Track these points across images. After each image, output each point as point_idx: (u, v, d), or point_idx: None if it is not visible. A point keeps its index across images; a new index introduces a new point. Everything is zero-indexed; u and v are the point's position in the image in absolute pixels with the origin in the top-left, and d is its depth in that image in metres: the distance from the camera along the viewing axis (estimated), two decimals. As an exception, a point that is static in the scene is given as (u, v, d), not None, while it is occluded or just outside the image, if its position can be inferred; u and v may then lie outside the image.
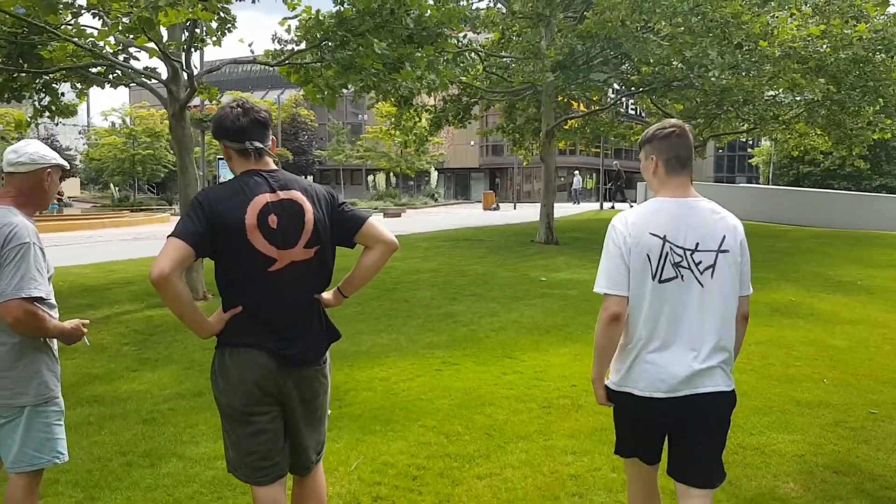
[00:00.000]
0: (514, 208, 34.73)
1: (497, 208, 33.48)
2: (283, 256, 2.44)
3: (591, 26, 13.34)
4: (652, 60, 13.44)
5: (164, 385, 5.52)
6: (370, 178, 51.38)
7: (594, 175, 53.68)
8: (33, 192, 2.72)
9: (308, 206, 2.49)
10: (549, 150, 16.33)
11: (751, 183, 56.28)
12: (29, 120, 10.41)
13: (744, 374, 5.53)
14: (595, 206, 34.23)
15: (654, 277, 2.38)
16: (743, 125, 20.78)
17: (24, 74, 9.12)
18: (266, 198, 2.43)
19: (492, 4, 17.90)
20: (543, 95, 15.89)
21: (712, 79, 13.29)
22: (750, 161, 53.68)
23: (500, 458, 3.99)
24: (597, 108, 19.87)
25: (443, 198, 50.12)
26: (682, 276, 2.38)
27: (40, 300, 2.59)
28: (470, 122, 19.18)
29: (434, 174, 51.11)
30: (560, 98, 18.83)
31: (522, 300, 8.85)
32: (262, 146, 2.49)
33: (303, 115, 53.96)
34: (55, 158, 2.75)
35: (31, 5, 6.76)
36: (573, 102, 21.12)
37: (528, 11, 15.42)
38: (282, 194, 2.46)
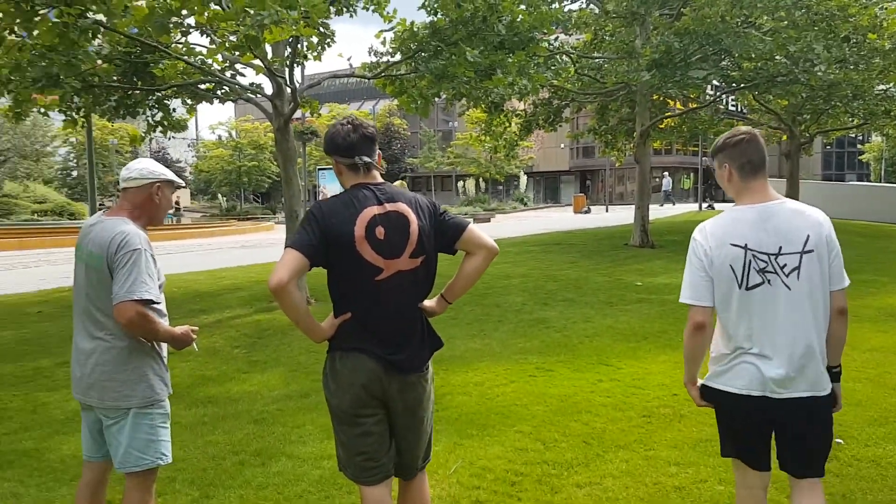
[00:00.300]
0: (607, 211, 34.16)
1: (588, 211, 33.05)
2: (389, 266, 2.55)
3: (689, 23, 13.01)
4: (754, 56, 13.00)
5: (272, 386, 5.80)
6: (460, 183, 51.75)
7: (692, 175, 52.08)
8: (145, 205, 2.88)
9: (413, 217, 2.60)
10: (644, 151, 16.01)
11: (861, 180, 53.16)
12: (143, 135, 11.12)
13: (858, 382, 5.28)
14: (692, 206, 33.22)
15: (740, 286, 2.45)
16: (852, 121, 19.71)
17: (138, 92, 9.75)
18: (374, 210, 2.56)
19: (584, 5, 17.73)
20: (638, 95, 15.60)
21: (818, 73, 12.68)
22: (860, 157, 50.72)
23: (599, 467, 3.98)
24: (694, 105, 19.31)
25: (532, 202, 49.86)
26: (768, 281, 2.43)
27: (150, 303, 2.72)
28: (560, 125, 19.05)
29: (523, 178, 50.94)
30: (655, 97, 18.43)
31: (617, 306, 8.74)
32: (370, 161, 2.63)
33: (396, 124, 55.07)
34: (164, 174, 2.91)
35: (143, 26, 7.25)
36: (669, 101, 20.62)
37: (623, 11, 15.18)
38: (388, 206, 2.58)
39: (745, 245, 2.44)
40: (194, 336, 2.96)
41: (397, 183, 21.00)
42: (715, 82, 16.92)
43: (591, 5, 17.22)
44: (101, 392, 2.79)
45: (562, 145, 54.45)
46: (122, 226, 2.78)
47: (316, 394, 5.41)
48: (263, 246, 20.27)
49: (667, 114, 18.96)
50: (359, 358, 2.57)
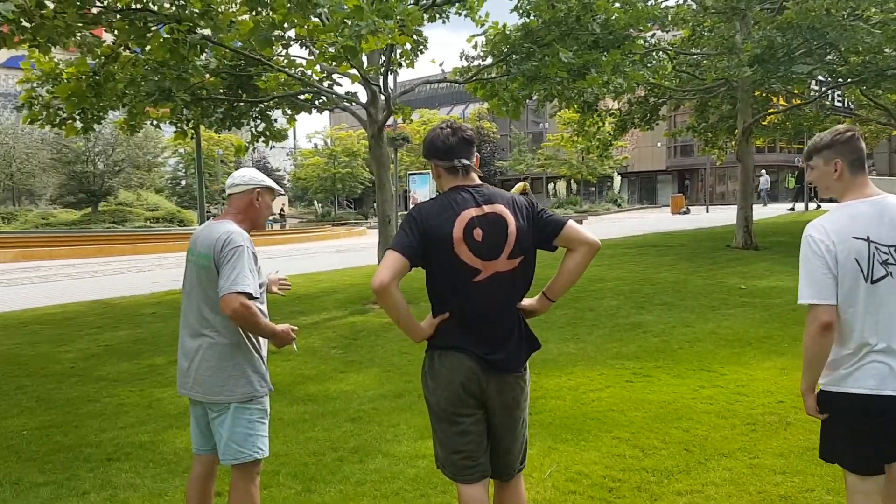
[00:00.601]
0: (707, 212, 32.98)
1: (687, 212, 32.01)
2: (486, 267, 2.56)
3: (792, 16, 12.42)
4: (861, 49, 12.27)
5: (367, 386, 5.93)
6: (551, 185, 51.27)
7: (796, 173, 49.62)
8: (248, 209, 3.06)
9: (511, 218, 2.59)
10: (746, 149, 15.38)
11: None
12: (246, 145, 11.61)
13: None
14: (799, 207, 31.61)
15: (866, 279, 2.40)
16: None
17: (242, 103, 10.20)
18: (472, 212, 2.57)
19: (682, 1, 17.24)
20: (739, 91, 15.01)
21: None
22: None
23: (701, 474, 3.85)
24: (799, 101, 18.39)
25: (626, 203, 48.78)
26: (891, 273, 2.40)
27: (250, 296, 2.86)
28: (657, 124, 18.56)
29: (617, 179, 49.91)
30: (758, 93, 17.67)
31: (719, 310, 8.43)
32: (469, 163, 2.65)
33: (486, 127, 55.18)
34: (264, 181, 3.09)
35: (247, 40, 7.58)
36: (773, 97, 19.72)
37: (722, 6, 14.64)
38: (486, 208, 2.59)
39: (868, 238, 2.40)
40: (294, 336, 3.08)
41: (519, 185, 21.19)
42: (820, 77, 16.07)
43: (689, 1, 16.71)
44: (204, 387, 2.96)
45: (658, 144, 53.01)
46: (227, 226, 2.98)
47: (409, 394, 5.50)
48: (357, 250, 20.75)
49: (770, 110, 18.12)
50: (457, 357, 2.59)
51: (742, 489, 3.63)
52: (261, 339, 3.08)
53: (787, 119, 20.57)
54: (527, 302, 2.72)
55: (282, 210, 45.35)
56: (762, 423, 4.58)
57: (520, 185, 22.41)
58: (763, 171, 36.10)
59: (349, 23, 5.97)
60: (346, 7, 5.69)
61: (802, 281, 2.45)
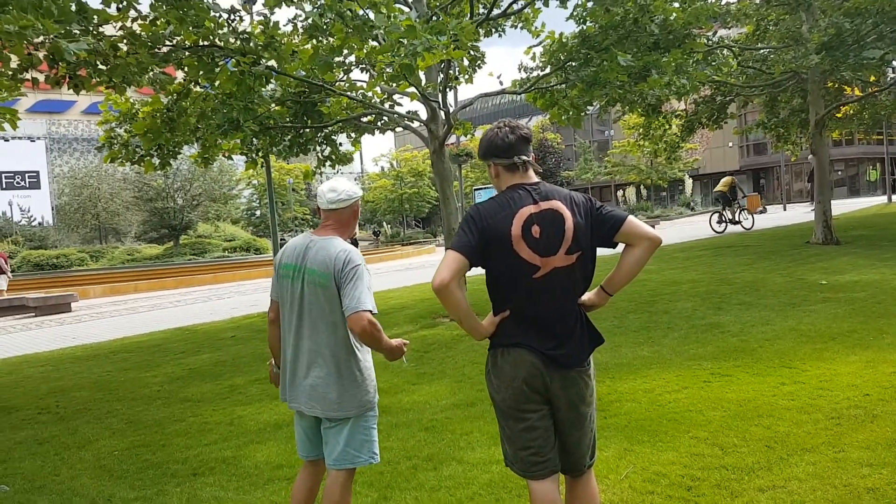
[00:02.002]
0: (784, 209, 31.84)
1: (764, 211, 30.94)
2: (546, 263, 2.58)
3: (860, 2, 11.97)
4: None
5: (440, 396, 5.98)
6: (620, 192, 50.51)
7: (878, 166, 47.38)
8: (349, 222, 3.16)
9: (568, 214, 2.60)
10: (821, 142, 14.84)
11: None
12: (314, 170, 11.93)
13: None
14: (882, 199, 30.16)
15: None
16: None
17: (308, 130, 10.51)
18: (530, 209, 2.60)
19: (745, -4, 16.83)
20: (809, 83, 14.54)
21: None
22: None
23: (783, 470, 3.72)
24: (874, 89, 17.62)
25: (700, 206, 47.53)
26: None
27: (373, 314, 2.94)
28: (726, 122, 18.12)
29: (689, 182, 48.75)
30: (830, 84, 17.02)
31: (800, 306, 8.13)
32: (528, 159, 2.68)
33: (550, 138, 54.94)
34: (360, 191, 3.20)
35: (310, 67, 7.83)
36: (846, 87, 18.96)
37: (787, -3, 14.24)
38: (543, 205, 2.61)
39: None
40: (406, 350, 3.16)
41: (726, 179, 21.22)
42: (895, 63, 15.37)
43: (753, -5, 16.32)
44: (322, 403, 3.03)
45: (730, 144, 51.67)
46: (341, 244, 3.05)
47: (481, 403, 5.51)
48: (426, 267, 20.95)
49: (843, 101, 17.41)
50: (519, 353, 2.61)
51: (827, 483, 3.49)
52: (367, 348, 3.14)
53: (863, 109, 19.75)
54: (586, 296, 2.72)
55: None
56: (847, 417, 4.39)
57: (727, 178, 22.46)
58: (811, 156, 34.58)
59: (405, 42, 6.11)
60: (401, 27, 5.83)
61: None
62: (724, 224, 21.03)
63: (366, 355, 3.12)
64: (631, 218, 2.66)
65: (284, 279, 3.13)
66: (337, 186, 3.12)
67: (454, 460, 4.41)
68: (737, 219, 21.22)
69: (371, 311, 2.91)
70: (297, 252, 3.11)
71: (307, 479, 3.25)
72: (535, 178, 2.71)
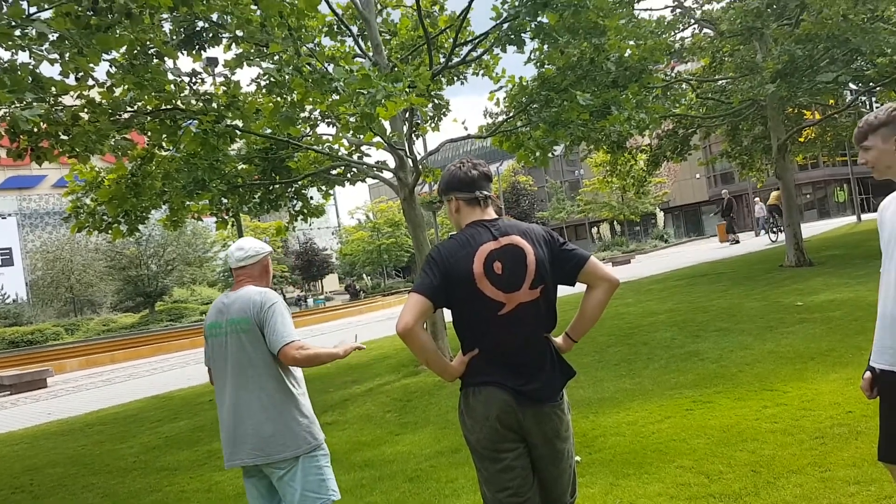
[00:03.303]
0: (756, 235, 32.21)
1: (737, 241, 31.27)
2: (510, 299, 2.55)
3: (810, 27, 12.36)
4: (889, 50, 12.07)
5: (424, 445, 5.86)
6: (594, 229, 51.00)
7: (844, 186, 48.42)
8: (263, 275, 3.29)
9: (529, 248, 2.59)
10: (784, 166, 15.10)
11: None
12: (286, 225, 11.90)
13: None
14: (851, 219, 30.70)
15: None
16: None
17: (277, 185, 10.50)
18: (490, 246, 2.58)
19: (697, 30, 17.34)
20: (768, 109, 14.86)
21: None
22: None
23: (770, 494, 3.66)
24: (833, 112, 18.10)
25: (673, 237, 48.05)
26: None
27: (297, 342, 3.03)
28: (689, 154, 18.41)
29: (660, 215, 49.37)
30: (790, 110, 17.44)
31: (777, 329, 8.15)
32: (489, 195, 2.69)
33: (521, 181, 55.57)
34: (267, 247, 3.33)
35: (270, 121, 7.85)
36: (805, 112, 19.45)
37: (738, 28, 14.66)
38: (503, 240, 2.60)
39: None
40: (353, 344, 3.23)
41: (775, 194, 22.54)
42: (852, 85, 15.84)
43: (705, 30, 16.81)
44: (267, 448, 3.01)
45: (697, 175, 52.57)
46: (254, 289, 3.17)
47: (466, 448, 5.36)
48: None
49: (803, 124, 17.84)
50: (490, 391, 2.56)
51: (815, 504, 3.45)
52: (302, 383, 3.20)
53: (824, 132, 20.24)
54: (555, 340, 2.70)
55: (326, 292, 46.31)
56: (831, 436, 4.36)
57: (776, 192, 23.57)
58: (757, 198, 35.42)
59: (364, 92, 6.16)
60: (357, 78, 5.90)
61: None
62: (776, 234, 23.42)
63: (301, 394, 3.15)
64: (593, 258, 2.66)
65: (212, 338, 3.20)
66: (244, 245, 3.27)
67: (439, 510, 4.30)
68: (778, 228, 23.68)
69: (293, 341, 3.01)
70: (217, 311, 3.21)
71: None
72: (494, 215, 2.70)
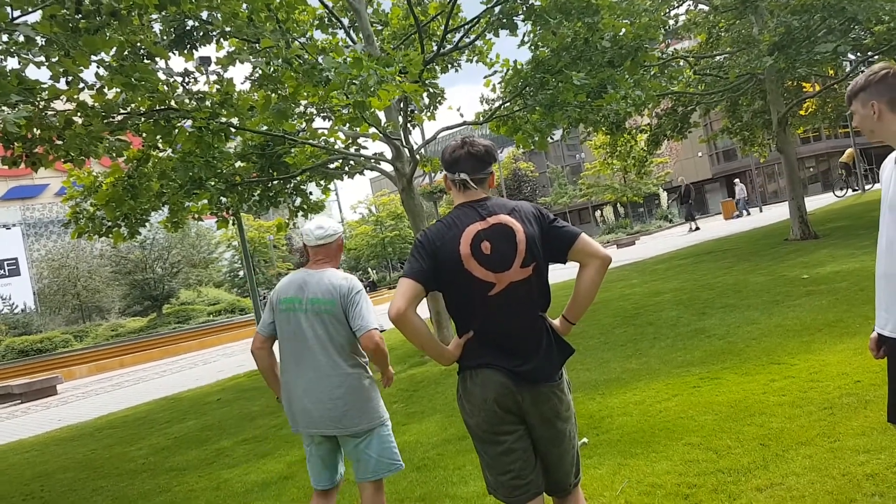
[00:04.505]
0: (761, 211, 32.07)
1: (740, 215, 31.15)
2: (500, 279, 2.50)
3: (805, -1, 12.22)
4: (886, 18, 11.92)
5: (431, 434, 5.83)
6: (597, 213, 50.81)
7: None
8: (337, 254, 3.48)
9: (518, 226, 2.53)
10: (785, 139, 14.98)
11: None
12: (287, 222, 11.87)
13: None
14: (851, 193, 30.45)
15: None
16: None
17: (276, 182, 10.45)
18: (476, 227, 2.53)
19: (692, 6, 17.18)
20: (767, 83, 14.73)
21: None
22: None
23: (779, 466, 3.62)
24: (833, 83, 17.93)
25: (678, 217, 47.85)
26: None
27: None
28: (690, 132, 18.28)
29: (664, 195, 49.10)
30: (789, 83, 17.26)
31: (783, 303, 8.08)
32: (466, 178, 2.60)
33: (522, 167, 55.39)
34: (341, 227, 3.53)
35: (262, 116, 7.79)
36: (804, 84, 19.26)
37: (732, 2, 14.51)
38: (491, 220, 2.54)
39: None
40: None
41: (848, 151, 23.03)
42: (850, 56, 15.68)
43: (700, 5, 16.65)
44: (345, 420, 3.26)
45: (699, 154, 52.28)
46: (340, 273, 3.37)
47: (473, 435, 5.37)
48: (414, 308, 20.76)
49: (803, 97, 17.67)
50: (487, 373, 2.52)
51: (825, 474, 3.40)
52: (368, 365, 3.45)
53: (824, 103, 20.06)
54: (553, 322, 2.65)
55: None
56: (840, 406, 4.31)
57: (849, 150, 24.72)
58: (737, 179, 35.38)
59: (356, 81, 6.10)
60: (347, 66, 5.83)
61: None
62: (845, 190, 25.53)
63: (370, 375, 3.39)
64: (583, 235, 2.60)
65: (284, 313, 3.34)
66: (323, 224, 3.45)
67: (447, 497, 4.28)
68: (856, 187, 25.89)
69: (378, 329, 3.20)
70: (295, 286, 3.36)
71: None
72: (484, 195, 2.64)
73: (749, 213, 30.93)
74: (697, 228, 26.71)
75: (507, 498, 2.56)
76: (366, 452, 3.30)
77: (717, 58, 16.51)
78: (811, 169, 51.73)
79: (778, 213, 25.84)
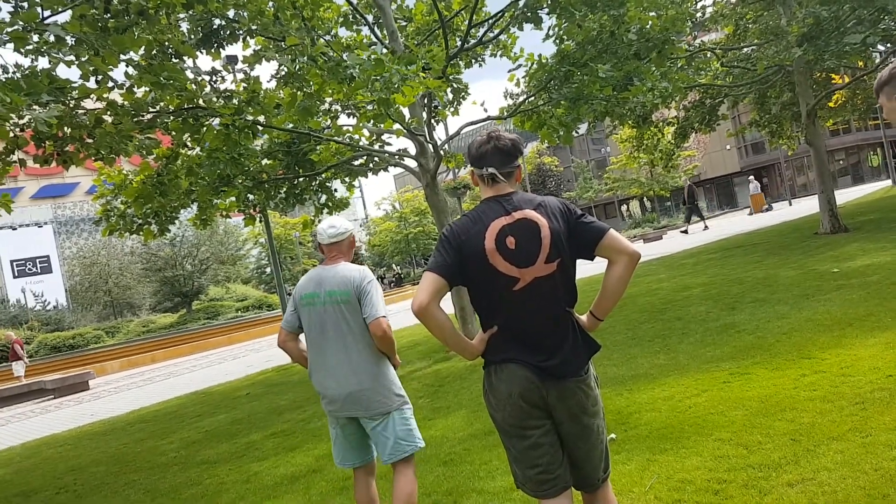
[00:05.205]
0: (790, 205, 31.62)
1: (769, 209, 30.73)
2: (525, 274, 2.49)
3: (834, -12, 12.00)
4: (916, 7, 11.67)
5: (457, 429, 5.84)
6: (623, 207, 50.41)
7: (878, 151, 47.16)
8: (350, 250, 3.68)
9: (543, 221, 2.52)
10: (815, 132, 14.74)
11: None
12: (312, 219, 11.95)
13: None
14: (885, 183, 29.92)
15: None
16: None
17: (301, 179, 10.54)
18: (502, 221, 2.52)
19: (720, -1, 16.96)
20: (795, 75, 14.50)
21: None
22: None
23: (811, 462, 3.58)
24: (862, 74, 17.60)
25: (706, 210, 47.29)
26: None
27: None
28: (718, 124, 18.09)
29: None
30: (818, 74, 16.99)
31: (814, 297, 7.97)
32: (495, 172, 2.59)
33: (547, 162, 55.14)
34: (351, 225, 3.74)
35: (288, 114, 7.86)
36: (833, 76, 18.95)
37: (760, -8, 14.31)
38: (516, 215, 2.53)
39: None
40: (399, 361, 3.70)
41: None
42: (881, 47, 15.37)
43: (728, -3, 16.45)
44: (367, 403, 3.45)
45: (727, 147, 51.67)
46: (353, 265, 3.57)
47: (500, 430, 5.37)
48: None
49: (832, 89, 17.38)
50: (512, 368, 2.52)
51: (857, 469, 3.35)
52: None
53: (854, 95, 19.72)
54: (580, 318, 2.64)
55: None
56: (872, 401, 4.24)
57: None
58: (751, 176, 34.72)
59: (380, 78, 6.12)
60: (371, 63, 5.86)
61: None
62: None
63: (387, 359, 3.56)
64: (612, 231, 2.56)
65: (306, 307, 3.54)
66: (335, 223, 3.64)
67: (474, 491, 4.28)
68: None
69: (385, 317, 3.40)
70: (313, 282, 3.57)
71: (364, 485, 3.66)
72: (510, 189, 2.63)
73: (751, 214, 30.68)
74: (685, 232, 26.35)
75: (535, 492, 2.56)
76: (383, 435, 3.47)
77: (745, 50, 16.29)
78: (841, 162, 50.88)
79: (807, 206, 25.46)
